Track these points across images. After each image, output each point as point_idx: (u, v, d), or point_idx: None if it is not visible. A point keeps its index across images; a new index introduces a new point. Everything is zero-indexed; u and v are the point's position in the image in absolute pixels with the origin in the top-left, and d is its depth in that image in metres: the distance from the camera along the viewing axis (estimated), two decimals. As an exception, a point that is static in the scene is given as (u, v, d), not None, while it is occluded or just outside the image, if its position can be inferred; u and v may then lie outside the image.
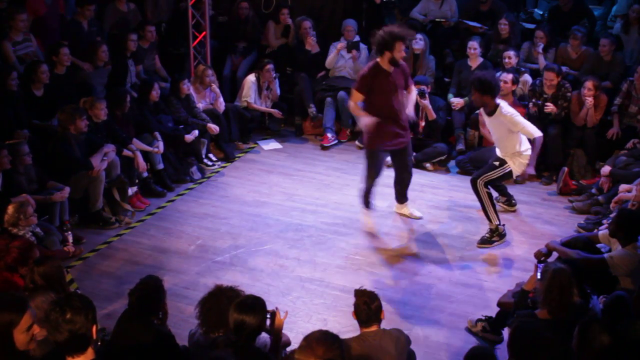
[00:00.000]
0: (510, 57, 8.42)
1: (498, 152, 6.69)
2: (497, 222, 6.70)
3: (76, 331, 3.00)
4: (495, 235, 6.75)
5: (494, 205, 6.68)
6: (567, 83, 8.19)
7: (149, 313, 4.20)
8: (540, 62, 8.70)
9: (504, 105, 6.41)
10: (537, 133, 6.35)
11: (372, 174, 6.79)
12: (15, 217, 5.73)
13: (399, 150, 6.81)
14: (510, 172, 6.58)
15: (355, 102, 6.64)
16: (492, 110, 6.40)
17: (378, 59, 6.54)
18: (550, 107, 8.01)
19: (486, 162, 6.89)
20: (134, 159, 7.47)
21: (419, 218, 7.22)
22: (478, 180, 6.58)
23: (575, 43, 8.67)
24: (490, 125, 6.59)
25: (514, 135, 6.45)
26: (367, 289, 4.19)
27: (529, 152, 6.49)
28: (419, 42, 8.85)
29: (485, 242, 6.76)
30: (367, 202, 6.96)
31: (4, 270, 5.08)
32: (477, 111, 8.46)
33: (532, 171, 6.47)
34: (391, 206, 7.48)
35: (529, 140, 6.46)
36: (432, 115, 8.27)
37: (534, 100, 8.12)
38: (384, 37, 6.38)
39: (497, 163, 6.60)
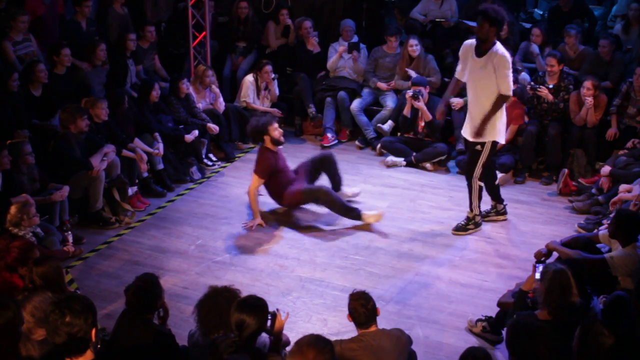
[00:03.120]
0: None
1: (470, 124, 6.51)
2: (477, 213, 6.82)
3: (74, 334, 3.00)
4: (471, 224, 6.86)
5: (480, 198, 6.76)
6: (570, 76, 8.22)
7: (146, 310, 4.20)
8: (538, 62, 8.70)
9: (500, 46, 6.29)
10: (508, 91, 6.25)
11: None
12: (18, 217, 5.74)
13: None
14: (494, 144, 6.53)
15: (255, 189, 7.06)
16: (487, 49, 6.23)
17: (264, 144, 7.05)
18: (544, 92, 8.01)
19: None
20: (136, 158, 7.47)
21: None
22: (473, 177, 6.63)
23: (570, 41, 8.67)
24: (474, 70, 6.35)
25: (494, 87, 6.27)
26: (360, 289, 4.20)
27: (501, 112, 6.42)
28: (416, 49, 8.80)
29: (460, 229, 6.87)
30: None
31: (4, 271, 5.08)
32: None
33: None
34: (391, 206, 7.48)
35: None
36: (428, 116, 8.28)
37: (532, 83, 8.16)
38: (255, 128, 7.04)
39: (479, 147, 6.53)
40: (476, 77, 6.37)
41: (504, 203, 7.20)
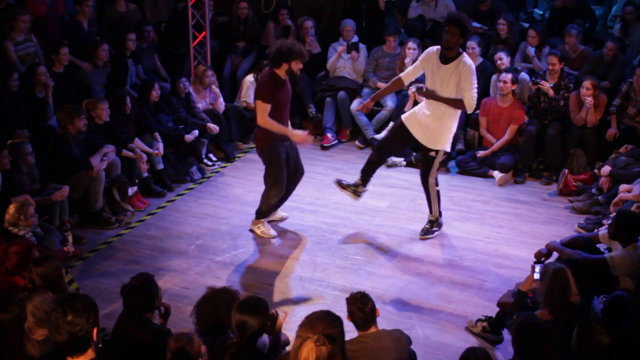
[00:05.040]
0: (502, 58, 8.43)
1: (425, 129, 6.43)
2: (438, 215, 6.85)
3: (76, 333, 3.00)
4: (435, 226, 6.88)
5: (439, 200, 6.79)
6: (571, 75, 8.22)
7: (144, 309, 4.20)
8: (534, 64, 8.70)
9: (467, 56, 6.30)
10: (471, 107, 6.25)
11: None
12: (16, 217, 5.73)
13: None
14: (444, 152, 6.58)
15: (266, 116, 6.35)
16: (453, 57, 6.21)
17: (275, 70, 6.38)
18: (546, 85, 8.03)
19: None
20: (136, 159, 7.47)
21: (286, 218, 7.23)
22: (429, 180, 6.63)
23: (571, 40, 8.68)
24: (436, 77, 6.27)
25: (454, 96, 6.26)
26: (359, 290, 4.19)
27: (456, 119, 6.43)
28: (413, 52, 8.74)
29: (427, 232, 6.87)
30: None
31: (6, 276, 5.08)
32: (477, 111, 8.50)
33: None
34: (391, 206, 7.48)
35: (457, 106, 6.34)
36: None
37: (533, 78, 8.18)
38: (280, 51, 6.33)
39: (433, 154, 6.53)
40: (439, 84, 6.30)
41: (366, 189, 6.88)
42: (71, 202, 6.78)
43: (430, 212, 6.83)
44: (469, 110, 6.37)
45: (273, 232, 6.90)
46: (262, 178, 6.83)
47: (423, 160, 6.75)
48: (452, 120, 6.42)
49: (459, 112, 6.44)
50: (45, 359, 3.50)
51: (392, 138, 6.85)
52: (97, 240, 6.84)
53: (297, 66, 6.38)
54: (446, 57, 6.23)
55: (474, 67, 6.26)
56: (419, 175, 6.76)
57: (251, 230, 6.93)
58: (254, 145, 6.73)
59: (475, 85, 6.22)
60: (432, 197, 6.74)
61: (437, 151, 6.51)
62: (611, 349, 3.81)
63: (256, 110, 6.41)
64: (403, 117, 6.69)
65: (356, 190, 6.82)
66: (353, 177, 6.91)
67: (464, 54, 6.29)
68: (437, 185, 6.72)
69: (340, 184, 6.86)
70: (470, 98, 6.19)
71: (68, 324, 2.99)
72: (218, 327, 4.09)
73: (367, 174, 6.81)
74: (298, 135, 6.63)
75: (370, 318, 4.08)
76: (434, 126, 6.40)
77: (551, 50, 8.27)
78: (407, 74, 6.59)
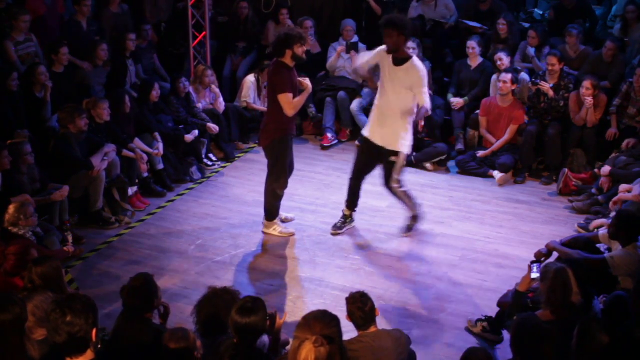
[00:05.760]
0: (502, 58, 8.42)
1: (382, 130, 6.48)
2: (417, 211, 6.86)
3: (75, 334, 2.99)
4: (414, 221, 6.91)
5: (411, 198, 6.77)
6: (571, 75, 8.22)
7: (144, 310, 4.20)
8: (534, 64, 8.70)
9: (417, 60, 6.32)
10: (428, 103, 6.26)
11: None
12: (16, 217, 5.73)
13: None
14: (405, 155, 6.55)
15: (291, 101, 6.36)
16: (404, 59, 6.26)
17: (281, 59, 6.38)
18: (546, 86, 8.03)
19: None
20: (136, 159, 7.47)
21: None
22: (393, 187, 6.60)
23: (571, 41, 8.68)
24: (391, 79, 6.31)
25: (409, 99, 6.29)
26: (359, 290, 4.18)
27: (411, 124, 6.43)
28: (413, 52, 8.67)
29: (408, 229, 6.90)
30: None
31: (5, 277, 5.08)
32: (477, 111, 8.51)
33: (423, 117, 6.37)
34: (391, 206, 7.48)
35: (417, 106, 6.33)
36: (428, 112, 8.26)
37: (533, 79, 8.17)
38: (280, 39, 6.36)
39: (393, 159, 6.49)
40: (391, 83, 6.33)
41: (356, 211, 7.04)
42: (71, 202, 6.77)
43: (408, 210, 6.83)
44: (427, 104, 6.29)
45: (291, 230, 6.92)
46: (262, 177, 6.82)
47: (384, 167, 6.63)
48: (407, 120, 6.40)
49: (414, 111, 6.39)
50: (44, 359, 3.50)
51: (361, 158, 6.78)
52: (97, 240, 6.84)
53: (300, 50, 6.36)
54: (397, 59, 6.28)
55: (424, 70, 6.29)
56: (384, 184, 6.67)
57: (267, 234, 6.89)
58: (261, 139, 6.68)
59: (426, 87, 6.29)
60: (403, 199, 6.74)
61: (397, 154, 6.44)
62: (611, 349, 3.80)
63: (281, 104, 6.36)
64: (363, 132, 6.76)
65: (351, 219, 7.00)
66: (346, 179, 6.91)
67: (414, 57, 6.31)
68: (401, 187, 6.67)
69: (336, 229, 6.93)
70: (422, 97, 6.22)
71: (67, 325, 2.99)
72: (218, 327, 4.09)
73: (353, 200, 6.91)
74: (307, 84, 6.57)
75: (370, 318, 4.07)
76: (389, 123, 6.42)
77: (551, 51, 8.26)
78: (362, 65, 6.62)
